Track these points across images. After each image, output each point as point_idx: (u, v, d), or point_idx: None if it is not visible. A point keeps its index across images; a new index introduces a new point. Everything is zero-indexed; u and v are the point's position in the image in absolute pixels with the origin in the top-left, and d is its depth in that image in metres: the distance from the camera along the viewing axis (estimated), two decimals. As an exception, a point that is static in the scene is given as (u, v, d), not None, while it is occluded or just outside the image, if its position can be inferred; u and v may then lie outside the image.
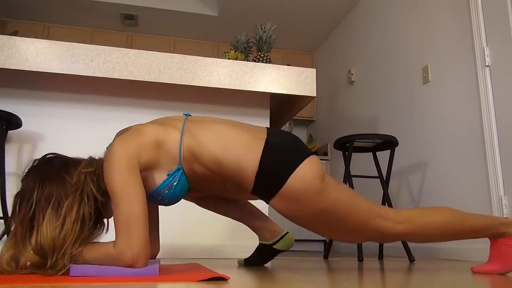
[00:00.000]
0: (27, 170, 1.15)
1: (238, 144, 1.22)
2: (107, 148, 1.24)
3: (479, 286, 1.07)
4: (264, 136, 1.26)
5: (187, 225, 2.30)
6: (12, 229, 1.11)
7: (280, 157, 1.22)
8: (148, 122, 1.28)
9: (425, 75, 3.05)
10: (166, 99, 2.42)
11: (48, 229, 1.06)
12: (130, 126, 1.24)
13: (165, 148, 1.21)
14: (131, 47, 4.83)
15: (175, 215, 2.28)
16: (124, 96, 2.37)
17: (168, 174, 1.21)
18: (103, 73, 2.13)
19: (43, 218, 1.07)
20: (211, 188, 1.35)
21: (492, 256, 1.37)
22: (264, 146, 1.22)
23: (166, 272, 1.20)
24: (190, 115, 1.34)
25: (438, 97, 2.91)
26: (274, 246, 1.64)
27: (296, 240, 4.32)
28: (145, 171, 1.17)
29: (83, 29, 4.86)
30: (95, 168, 1.17)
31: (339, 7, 4.36)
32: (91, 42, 4.76)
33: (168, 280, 1.03)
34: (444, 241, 1.41)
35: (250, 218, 1.64)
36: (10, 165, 2.17)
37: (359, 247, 2.27)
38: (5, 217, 1.95)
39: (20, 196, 1.11)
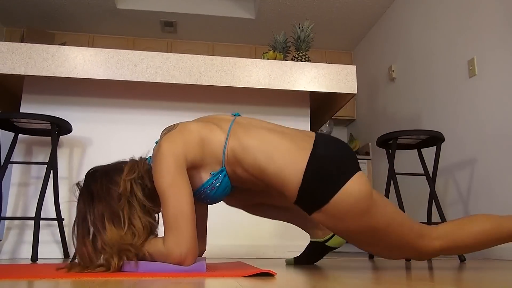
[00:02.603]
0: (77, 195, 1.20)
1: (283, 155, 1.19)
2: (156, 143, 1.27)
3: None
4: (310, 146, 1.21)
5: (230, 226, 2.32)
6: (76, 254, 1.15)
7: (326, 172, 1.16)
8: (193, 120, 1.31)
9: (471, 68, 2.93)
10: (207, 101, 2.46)
11: (113, 239, 1.10)
12: (176, 124, 1.27)
13: (209, 147, 1.22)
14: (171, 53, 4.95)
15: (217, 216, 2.31)
16: (167, 100, 2.43)
17: (211, 174, 1.23)
18: (146, 77, 2.19)
19: (105, 234, 1.11)
20: (255, 189, 1.36)
21: None
22: (309, 158, 1.17)
23: (213, 269, 1.22)
24: (239, 115, 1.34)
25: (485, 90, 2.79)
26: (327, 243, 1.63)
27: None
28: (190, 169, 1.20)
29: (125, 37, 5.02)
30: (137, 172, 1.20)
31: (377, 3, 4.28)
32: (133, 49, 4.91)
33: (216, 276, 1.05)
34: (488, 248, 1.36)
35: (301, 218, 1.63)
36: (62, 169, 2.28)
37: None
38: (59, 219, 2.05)
39: (76, 222, 1.16)
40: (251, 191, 1.50)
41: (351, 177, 1.16)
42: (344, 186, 1.15)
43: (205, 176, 1.23)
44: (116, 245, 1.09)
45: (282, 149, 1.20)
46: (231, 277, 1.02)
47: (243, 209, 1.63)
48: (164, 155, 1.15)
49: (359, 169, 1.21)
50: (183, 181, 1.15)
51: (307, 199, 1.19)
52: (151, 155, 1.29)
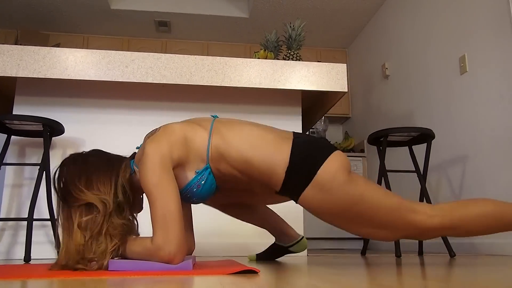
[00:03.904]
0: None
1: (267, 144, 1.26)
2: (137, 148, 1.30)
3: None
4: (290, 136, 1.31)
5: (222, 224, 2.34)
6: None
7: (308, 152, 1.26)
8: (175, 122, 1.33)
9: (462, 65, 2.95)
10: (198, 101, 2.47)
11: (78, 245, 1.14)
12: (158, 127, 1.29)
13: (193, 146, 1.25)
14: (165, 53, 4.96)
15: (207, 214, 2.33)
16: (158, 100, 2.44)
17: (196, 172, 1.25)
18: (137, 78, 2.21)
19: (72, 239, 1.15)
20: (236, 188, 1.39)
21: None
22: (293, 143, 1.27)
23: (200, 267, 1.23)
24: (218, 117, 1.38)
25: (476, 87, 2.80)
26: (290, 249, 1.75)
27: (334, 238, 4.31)
28: (175, 168, 1.22)
29: (119, 38, 5.03)
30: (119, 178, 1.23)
31: (371, 1, 4.29)
32: (128, 50, 4.92)
33: (200, 274, 1.06)
34: (490, 234, 1.34)
35: (271, 223, 1.72)
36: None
37: (397, 242, 2.23)
38: (52, 220, 2.07)
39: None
40: (229, 190, 1.53)
41: (332, 152, 1.28)
42: (328, 158, 1.25)
43: (190, 175, 1.26)
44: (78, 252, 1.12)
45: (265, 140, 1.28)
46: (214, 275, 1.04)
47: (219, 209, 1.69)
48: (149, 156, 1.17)
49: (337, 149, 1.32)
50: (169, 181, 1.17)
51: (294, 179, 1.24)
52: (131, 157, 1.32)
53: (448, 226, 1.28)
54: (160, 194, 1.14)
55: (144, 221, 1.29)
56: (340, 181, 1.23)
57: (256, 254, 1.84)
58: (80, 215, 1.14)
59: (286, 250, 1.76)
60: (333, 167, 1.24)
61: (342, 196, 1.23)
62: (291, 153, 1.24)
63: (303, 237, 1.75)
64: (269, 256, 1.81)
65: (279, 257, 1.82)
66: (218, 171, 1.28)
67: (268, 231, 1.75)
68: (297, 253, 1.80)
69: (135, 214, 1.29)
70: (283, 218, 1.77)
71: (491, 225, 1.30)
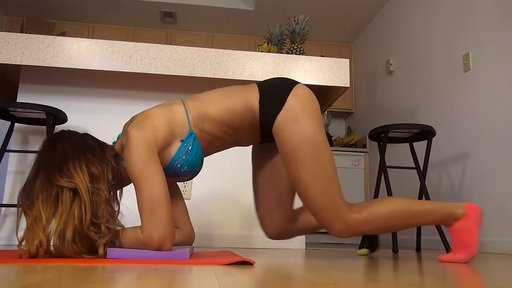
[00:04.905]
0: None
1: (236, 90, 1.37)
2: (113, 143, 1.32)
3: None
4: (255, 83, 1.41)
5: (222, 216, 2.36)
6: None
7: (275, 84, 1.38)
8: (149, 108, 1.34)
9: (465, 62, 2.94)
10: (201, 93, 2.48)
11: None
12: (135, 115, 1.31)
13: (175, 120, 1.28)
14: (170, 44, 4.97)
15: (210, 205, 2.35)
16: (161, 91, 2.46)
17: (181, 140, 1.28)
18: (140, 68, 2.22)
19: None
20: (224, 144, 1.41)
21: (455, 246, 1.38)
22: (259, 83, 1.40)
23: (196, 257, 1.25)
24: None
25: (480, 85, 2.80)
26: None
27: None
28: (163, 149, 1.25)
29: (125, 28, 5.04)
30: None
31: (377, -4, 4.27)
32: (133, 40, 4.93)
33: (196, 263, 1.08)
34: (402, 229, 1.41)
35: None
36: (58, 157, 2.31)
37: (394, 238, 2.25)
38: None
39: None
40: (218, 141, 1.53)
41: (298, 83, 1.38)
42: (296, 86, 1.36)
43: (176, 145, 1.28)
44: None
45: (233, 89, 1.39)
46: (209, 265, 1.06)
47: (294, 234, 1.63)
48: (134, 143, 1.18)
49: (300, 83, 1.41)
50: (155, 167, 1.18)
51: (268, 106, 1.32)
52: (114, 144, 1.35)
53: (365, 221, 1.33)
54: (147, 180, 1.16)
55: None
56: (311, 109, 1.31)
57: (366, 248, 1.87)
58: (71, 200, 1.14)
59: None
60: (302, 93, 1.33)
61: (309, 129, 1.28)
62: (259, 88, 1.36)
63: None
64: (373, 243, 1.84)
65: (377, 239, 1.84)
66: (203, 133, 1.32)
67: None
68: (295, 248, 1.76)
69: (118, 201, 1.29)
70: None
71: (401, 220, 1.37)
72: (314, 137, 1.29)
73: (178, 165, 1.30)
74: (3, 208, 2.23)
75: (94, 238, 1.13)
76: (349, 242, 4.39)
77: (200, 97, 1.36)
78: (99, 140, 1.31)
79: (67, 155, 1.18)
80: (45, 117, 2.09)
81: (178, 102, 1.35)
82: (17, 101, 2.32)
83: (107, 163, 1.22)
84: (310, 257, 1.59)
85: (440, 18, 3.34)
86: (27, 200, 1.15)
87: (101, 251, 1.13)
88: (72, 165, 1.16)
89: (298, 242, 2.35)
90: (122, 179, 1.28)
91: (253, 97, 1.34)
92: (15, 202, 2.22)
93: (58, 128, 2.32)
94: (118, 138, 1.36)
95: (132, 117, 1.32)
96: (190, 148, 1.29)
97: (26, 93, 2.34)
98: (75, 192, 1.14)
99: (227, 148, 1.48)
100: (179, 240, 1.42)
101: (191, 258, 1.22)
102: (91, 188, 1.15)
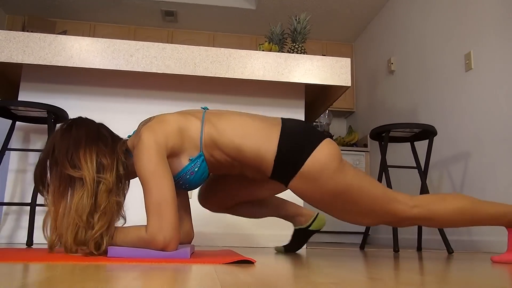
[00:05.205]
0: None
1: (256, 132, 1.29)
2: (128, 136, 1.32)
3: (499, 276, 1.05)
4: (279, 122, 1.33)
5: (222, 215, 2.36)
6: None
7: (296, 140, 1.29)
8: (168, 113, 1.35)
9: (467, 62, 2.94)
10: (202, 92, 2.48)
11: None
12: (153, 116, 1.31)
13: (187, 134, 1.27)
14: (171, 43, 4.96)
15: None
16: (162, 90, 2.46)
17: (190, 160, 1.28)
18: (141, 67, 2.22)
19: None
20: (230, 171, 1.41)
21: (510, 246, 1.38)
22: (281, 131, 1.29)
23: (197, 256, 1.26)
24: (208, 109, 1.41)
25: (481, 85, 2.79)
26: (310, 228, 1.73)
27: (334, 232, 4.33)
28: (169, 157, 1.24)
29: (126, 26, 5.03)
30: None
31: (379, -5, 4.27)
32: (134, 39, 4.91)
33: (196, 262, 1.08)
34: (461, 227, 1.46)
35: (282, 209, 1.72)
36: (59, 156, 2.32)
37: (395, 238, 2.25)
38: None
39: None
40: (227, 190, 1.57)
41: (321, 142, 1.29)
42: (316, 148, 1.27)
43: (184, 162, 1.28)
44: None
45: (255, 127, 1.30)
46: (210, 264, 1.06)
47: (226, 212, 1.70)
48: (145, 144, 1.18)
49: (327, 137, 1.33)
50: (164, 169, 1.19)
51: (282, 167, 1.28)
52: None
53: (425, 217, 1.36)
54: (156, 182, 1.16)
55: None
56: (329, 171, 1.26)
57: (283, 246, 1.84)
58: (76, 191, 1.16)
59: (307, 232, 1.74)
60: (322, 157, 1.26)
61: (330, 185, 1.28)
62: (279, 141, 1.28)
63: (318, 213, 1.73)
64: (296, 244, 1.80)
65: (305, 242, 1.80)
66: (212, 157, 1.31)
67: (283, 218, 1.75)
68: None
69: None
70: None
71: (464, 219, 1.39)
72: (336, 188, 1.29)
73: (180, 182, 1.31)
74: (4, 207, 2.23)
75: (88, 231, 1.14)
76: (350, 241, 4.40)
77: (218, 124, 1.30)
78: (113, 132, 1.32)
79: (80, 142, 1.20)
80: (46, 115, 2.09)
81: (198, 115, 1.33)
82: (19, 99, 2.32)
83: (117, 156, 1.23)
84: (311, 256, 1.59)
85: (441, 17, 3.33)
86: (40, 183, 1.23)
87: (91, 247, 1.13)
88: (82, 153, 1.19)
89: (299, 241, 2.35)
90: (128, 173, 1.29)
91: (270, 150, 1.27)
92: (17, 201, 2.23)
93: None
94: (134, 133, 1.36)
95: (149, 118, 1.32)
96: (196, 169, 1.29)
97: (27, 92, 2.34)
98: (80, 180, 1.17)
99: (235, 186, 1.52)
100: None
101: (192, 257, 1.23)
102: (97, 178, 1.17)
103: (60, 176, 1.18)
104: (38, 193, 1.26)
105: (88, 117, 1.34)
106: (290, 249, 1.82)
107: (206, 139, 1.29)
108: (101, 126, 1.30)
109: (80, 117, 1.31)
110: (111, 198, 1.17)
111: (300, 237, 1.77)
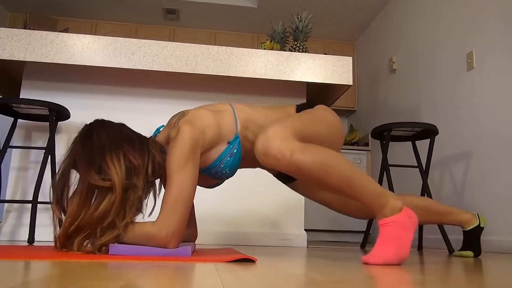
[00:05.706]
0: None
1: (277, 112, 1.42)
2: (158, 130, 1.32)
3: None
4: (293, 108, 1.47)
5: (224, 213, 2.36)
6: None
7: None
8: (197, 107, 1.35)
9: (469, 61, 2.93)
10: (203, 90, 2.48)
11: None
12: (186, 110, 1.31)
13: (223, 122, 1.30)
14: (173, 41, 4.96)
15: (212, 204, 2.36)
16: (163, 88, 2.46)
17: (228, 142, 1.31)
18: (143, 65, 2.22)
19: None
20: (254, 161, 1.42)
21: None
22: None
23: (199, 254, 1.26)
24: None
25: (483, 84, 2.79)
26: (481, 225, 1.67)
27: (335, 231, 4.33)
28: (208, 150, 1.27)
29: (128, 24, 5.03)
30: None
31: (381, -7, 4.25)
32: (135, 37, 4.92)
33: (198, 260, 1.09)
34: (333, 192, 1.27)
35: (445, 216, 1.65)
36: (60, 154, 2.32)
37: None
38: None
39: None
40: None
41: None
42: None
43: (221, 147, 1.30)
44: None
45: (275, 110, 1.44)
46: (211, 262, 1.06)
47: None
48: (183, 138, 1.19)
49: None
50: (193, 167, 1.19)
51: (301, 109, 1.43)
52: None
53: (303, 164, 1.15)
54: (180, 178, 1.17)
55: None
56: (327, 116, 1.42)
57: (459, 251, 1.77)
58: (103, 200, 1.15)
59: (479, 229, 1.67)
60: (327, 108, 1.45)
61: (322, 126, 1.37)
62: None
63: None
64: (471, 244, 1.71)
65: (478, 242, 1.70)
66: (245, 140, 1.35)
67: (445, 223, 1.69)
68: (299, 246, 1.71)
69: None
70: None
71: (341, 181, 1.24)
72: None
73: (222, 165, 1.32)
74: (5, 204, 2.24)
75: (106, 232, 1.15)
76: (351, 240, 4.40)
77: (245, 107, 1.39)
78: (136, 132, 1.29)
79: (104, 148, 1.17)
80: (48, 113, 2.09)
81: (227, 105, 1.38)
82: (20, 97, 2.32)
83: (149, 156, 1.22)
84: (312, 255, 1.59)
85: (443, 16, 3.33)
86: (60, 198, 1.19)
87: (95, 248, 1.14)
88: (109, 158, 1.16)
89: (300, 240, 2.35)
90: (161, 170, 1.28)
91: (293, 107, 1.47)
92: (18, 198, 2.24)
93: (61, 124, 2.33)
94: (157, 131, 1.36)
95: (183, 112, 1.29)
96: (235, 151, 1.31)
97: (29, 89, 2.35)
98: (109, 189, 1.14)
99: (252, 168, 1.50)
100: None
101: (193, 255, 1.23)
102: (126, 185, 1.15)
103: (87, 187, 1.15)
104: (51, 206, 1.21)
105: (90, 116, 1.33)
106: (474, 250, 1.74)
107: (241, 120, 1.33)
108: (122, 126, 1.27)
109: (97, 120, 1.27)
110: (137, 205, 1.17)
111: (472, 236, 1.69)
